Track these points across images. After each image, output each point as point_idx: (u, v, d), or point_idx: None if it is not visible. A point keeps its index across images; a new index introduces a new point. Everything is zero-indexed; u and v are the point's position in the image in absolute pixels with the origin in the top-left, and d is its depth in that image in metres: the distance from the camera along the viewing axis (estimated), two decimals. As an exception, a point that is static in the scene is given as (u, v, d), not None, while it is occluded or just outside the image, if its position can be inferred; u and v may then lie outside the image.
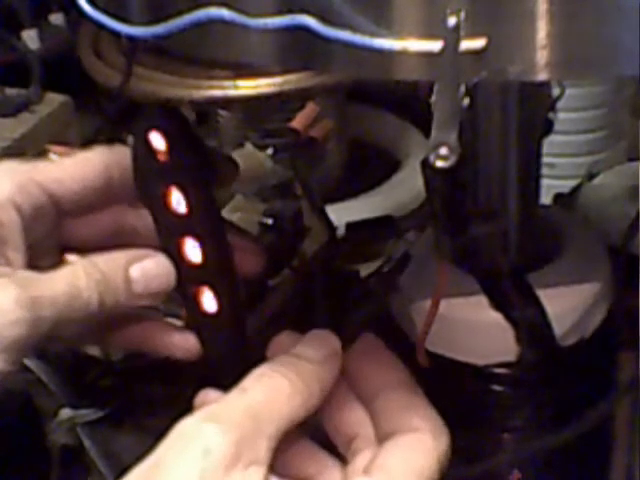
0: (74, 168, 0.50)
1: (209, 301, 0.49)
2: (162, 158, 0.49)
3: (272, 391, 0.44)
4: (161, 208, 0.50)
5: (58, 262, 0.49)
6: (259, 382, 0.44)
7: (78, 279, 0.46)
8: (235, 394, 0.44)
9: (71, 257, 0.50)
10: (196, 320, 0.50)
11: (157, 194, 0.49)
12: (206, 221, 0.50)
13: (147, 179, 0.50)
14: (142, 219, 0.51)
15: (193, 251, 0.49)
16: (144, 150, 0.50)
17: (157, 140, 0.49)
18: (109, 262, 0.47)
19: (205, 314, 0.49)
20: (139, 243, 0.50)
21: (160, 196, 0.49)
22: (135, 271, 0.48)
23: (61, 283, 0.46)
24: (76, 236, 0.51)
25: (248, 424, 0.42)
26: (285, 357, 0.46)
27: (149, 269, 0.48)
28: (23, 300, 0.44)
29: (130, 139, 0.51)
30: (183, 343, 0.50)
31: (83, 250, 0.50)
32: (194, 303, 0.49)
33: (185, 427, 0.42)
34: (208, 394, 0.46)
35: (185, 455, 0.41)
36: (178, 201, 0.49)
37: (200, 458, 0.41)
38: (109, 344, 0.52)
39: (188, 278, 0.49)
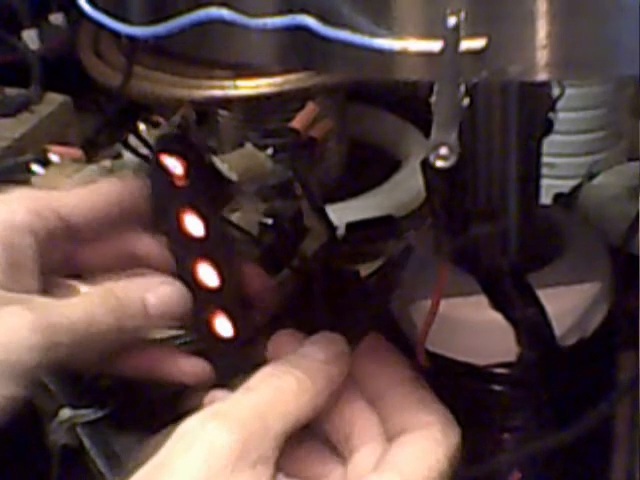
0: (89, 196, 0.51)
1: (223, 326, 0.49)
2: (179, 182, 0.49)
3: (279, 389, 0.44)
4: (177, 232, 0.50)
5: (71, 290, 0.49)
6: (265, 381, 0.44)
7: (95, 305, 0.46)
8: (241, 393, 0.44)
9: (83, 288, 0.50)
10: (209, 345, 0.50)
11: (173, 218, 0.50)
12: (223, 244, 0.50)
13: (163, 203, 0.50)
14: (155, 245, 0.52)
15: (209, 275, 0.49)
16: (161, 174, 0.50)
17: (173, 164, 0.49)
18: (125, 289, 0.48)
19: (219, 339, 0.49)
20: (153, 268, 0.51)
21: (176, 220, 0.49)
22: (151, 297, 0.48)
23: (78, 310, 0.46)
24: (90, 262, 0.52)
25: (254, 423, 0.42)
26: (291, 356, 0.45)
27: (165, 294, 0.49)
28: (39, 326, 0.44)
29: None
30: (193, 369, 0.50)
31: (98, 277, 0.51)
32: (208, 328, 0.49)
33: (190, 426, 0.42)
34: (216, 394, 0.46)
35: (191, 454, 0.41)
36: (194, 224, 0.49)
37: (206, 457, 0.41)
38: (118, 371, 0.52)
39: (203, 302, 0.49)
